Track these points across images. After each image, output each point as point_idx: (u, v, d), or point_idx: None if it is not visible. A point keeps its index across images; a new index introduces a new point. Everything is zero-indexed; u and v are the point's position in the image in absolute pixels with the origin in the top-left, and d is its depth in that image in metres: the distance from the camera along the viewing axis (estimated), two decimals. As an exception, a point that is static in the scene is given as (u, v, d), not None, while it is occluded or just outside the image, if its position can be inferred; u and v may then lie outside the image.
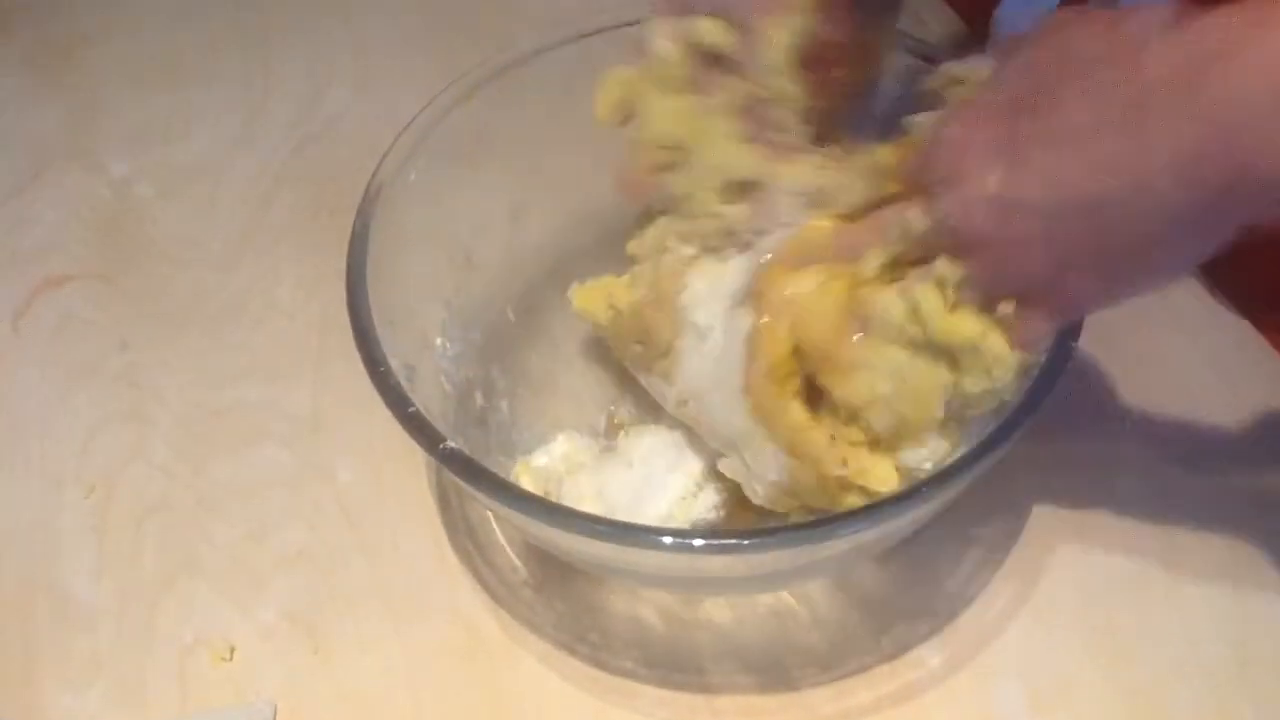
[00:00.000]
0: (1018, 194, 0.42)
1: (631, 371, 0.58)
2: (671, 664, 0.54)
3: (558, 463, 0.57)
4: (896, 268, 0.48)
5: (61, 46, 0.85)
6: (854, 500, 0.49)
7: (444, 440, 0.48)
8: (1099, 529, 0.57)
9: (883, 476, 0.49)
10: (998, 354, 0.46)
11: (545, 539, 0.51)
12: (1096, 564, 0.56)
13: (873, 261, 0.48)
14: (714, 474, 0.54)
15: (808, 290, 0.49)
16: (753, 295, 0.51)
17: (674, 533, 0.47)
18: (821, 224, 0.51)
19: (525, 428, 0.60)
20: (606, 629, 0.55)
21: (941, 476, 0.46)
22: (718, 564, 0.48)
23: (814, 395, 0.50)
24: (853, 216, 0.50)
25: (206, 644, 0.56)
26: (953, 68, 0.49)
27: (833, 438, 0.49)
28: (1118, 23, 0.40)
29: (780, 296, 0.50)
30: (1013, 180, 0.42)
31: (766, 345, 0.49)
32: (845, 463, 0.49)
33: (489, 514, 0.58)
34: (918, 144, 0.46)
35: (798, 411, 0.49)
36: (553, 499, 0.55)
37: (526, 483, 0.56)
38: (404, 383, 0.50)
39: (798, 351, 0.49)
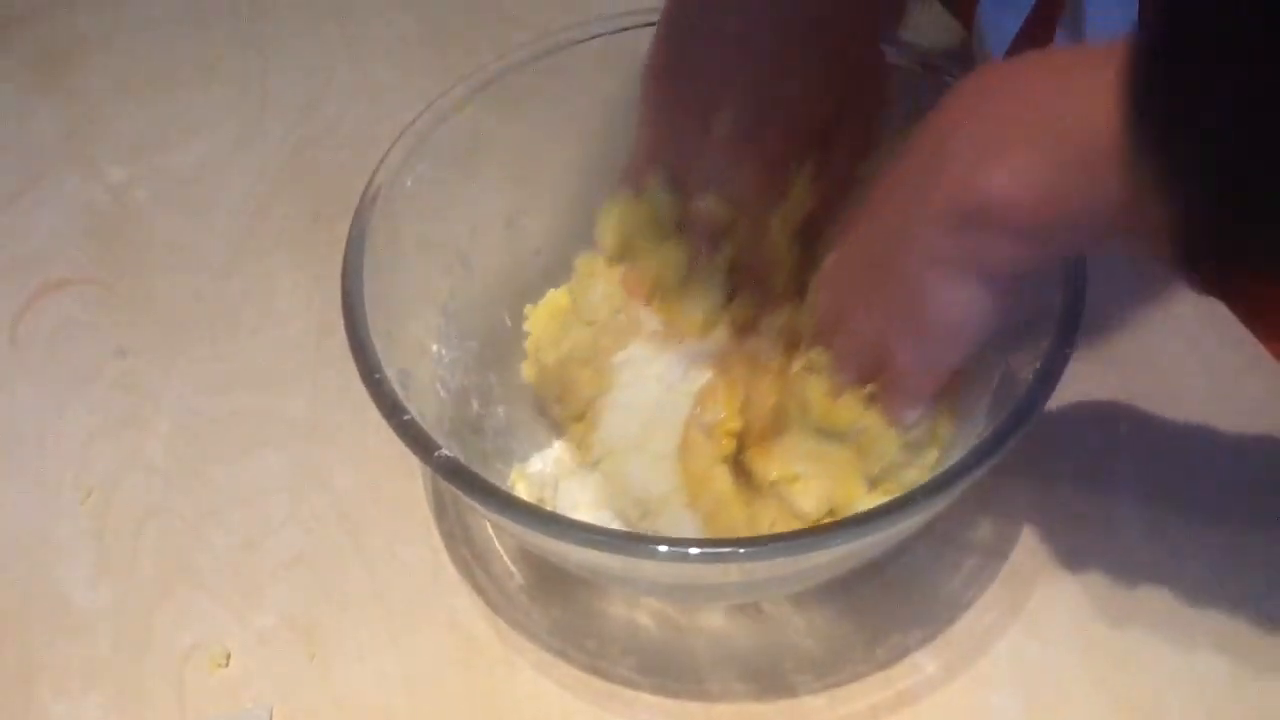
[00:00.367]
0: (839, 268, 0.50)
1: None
2: (668, 671, 0.54)
3: (553, 469, 0.57)
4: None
5: (60, 53, 0.85)
6: None
7: (438, 448, 0.48)
8: (1095, 537, 0.57)
9: None
10: (876, 433, 0.50)
11: (539, 546, 0.51)
12: (1092, 573, 0.56)
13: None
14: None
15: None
16: (719, 359, 0.54)
17: (667, 541, 0.47)
18: None
19: (522, 434, 0.60)
20: (603, 635, 0.55)
21: (935, 485, 0.46)
22: (712, 571, 0.48)
23: (741, 472, 0.52)
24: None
25: (204, 650, 0.56)
26: None
27: (751, 517, 0.51)
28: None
29: (740, 362, 0.53)
30: (838, 257, 0.50)
31: (719, 396, 0.51)
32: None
33: (486, 520, 0.58)
34: None
35: (724, 480, 0.51)
36: (548, 505, 0.55)
37: (522, 489, 0.56)
38: (399, 390, 0.50)
39: (742, 411, 0.52)
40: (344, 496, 0.61)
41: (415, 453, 0.48)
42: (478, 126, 0.59)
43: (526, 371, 0.59)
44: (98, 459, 0.63)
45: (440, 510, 0.60)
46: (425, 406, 0.53)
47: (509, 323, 0.61)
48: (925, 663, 0.54)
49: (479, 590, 0.57)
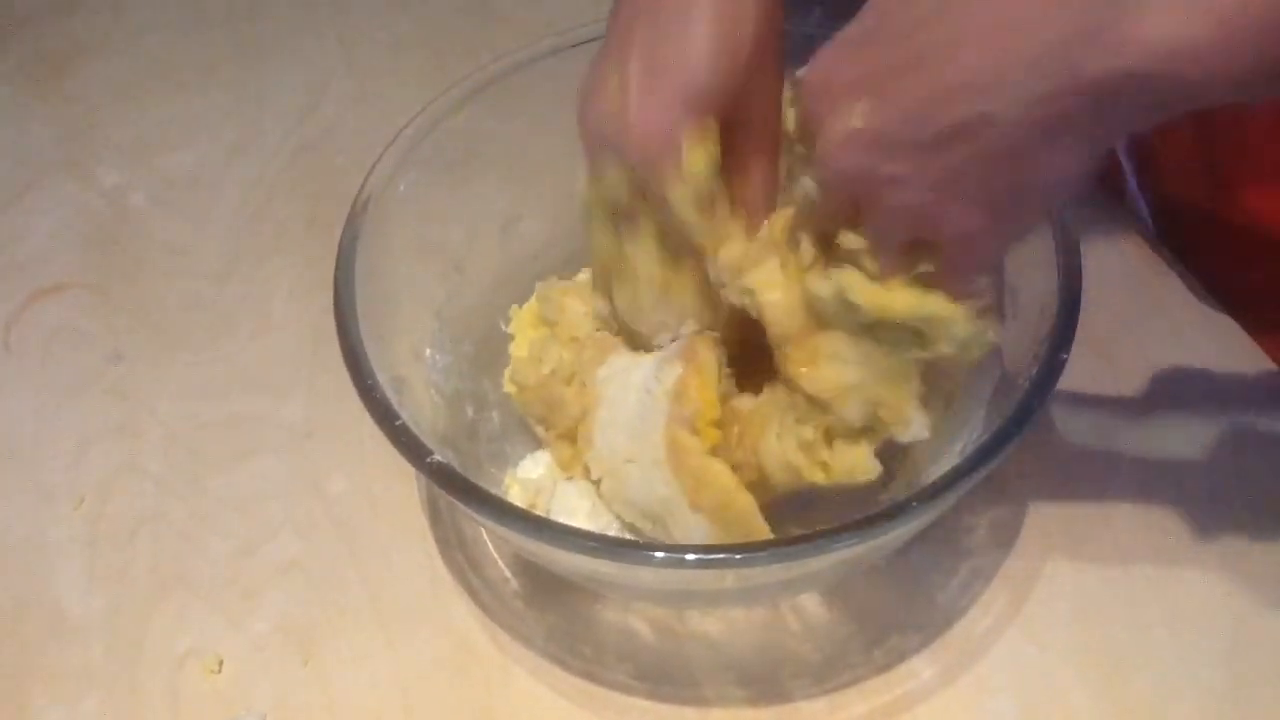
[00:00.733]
0: (880, 127, 0.40)
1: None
2: (664, 677, 0.54)
3: (548, 474, 0.56)
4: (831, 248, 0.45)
5: (55, 57, 0.85)
6: None
7: (430, 454, 0.48)
8: (1093, 542, 0.56)
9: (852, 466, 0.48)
10: (946, 315, 0.44)
11: (532, 552, 0.51)
12: (1090, 577, 0.55)
13: (783, 236, 0.47)
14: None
15: (764, 284, 0.48)
16: (683, 350, 0.51)
17: (655, 547, 0.46)
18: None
19: (516, 439, 0.59)
20: (599, 641, 0.55)
21: (932, 490, 0.46)
22: (708, 577, 0.48)
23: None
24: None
25: (197, 657, 0.56)
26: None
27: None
28: None
29: (703, 345, 0.51)
30: (874, 114, 0.40)
31: (691, 388, 0.50)
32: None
33: (480, 526, 0.58)
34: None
35: (721, 472, 0.49)
36: (542, 511, 0.55)
37: (516, 494, 0.56)
38: (393, 395, 0.50)
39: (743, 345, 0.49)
40: (339, 502, 0.60)
41: (408, 459, 0.48)
42: (472, 130, 0.59)
43: (508, 386, 0.58)
44: (92, 465, 0.63)
45: (435, 516, 0.59)
46: (419, 412, 0.53)
47: (504, 328, 0.60)
48: (922, 667, 0.54)
49: (474, 596, 0.57)
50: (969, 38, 0.37)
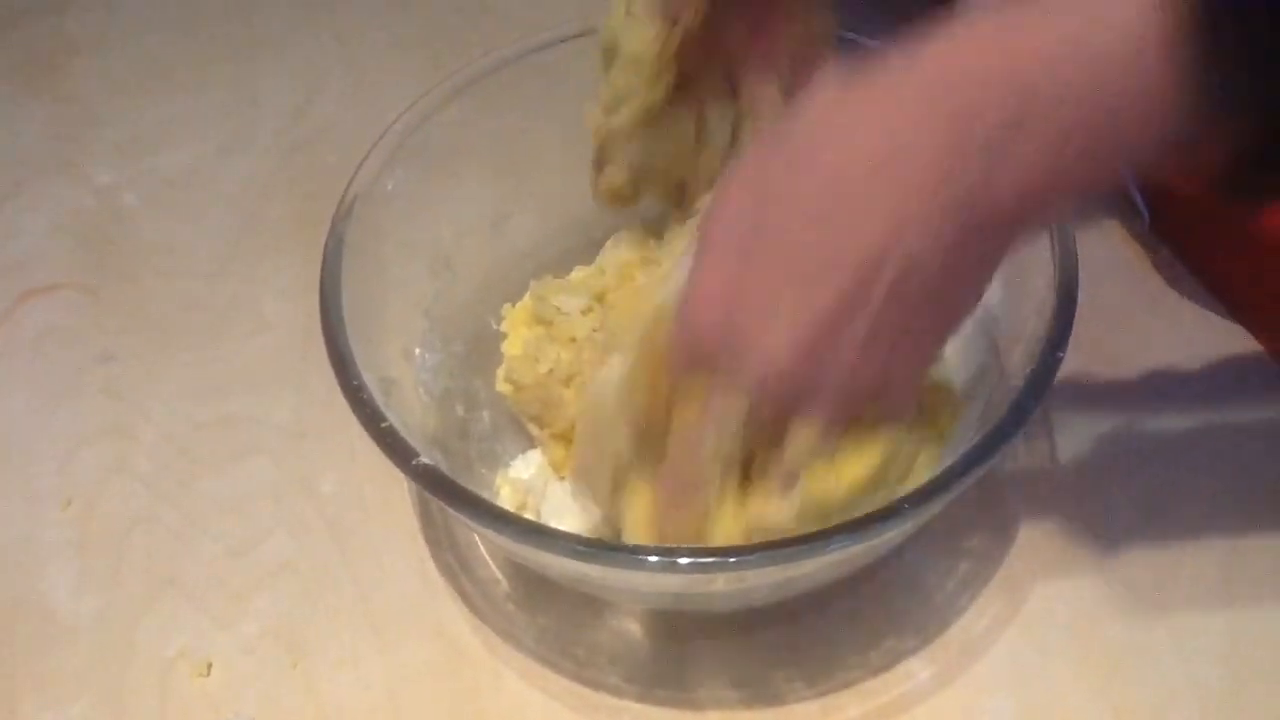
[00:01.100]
0: (807, 338, 0.41)
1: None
2: (657, 680, 0.53)
3: (539, 474, 0.56)
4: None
5: (48, 55, 0.85)
6: None
7: (417, 456, 0.47)
8: (1090, 542, 0.56)
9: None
10: (904, 438, 0.46)
11: (522, 556, 0.51)
12: (1087, 579, 0.55)
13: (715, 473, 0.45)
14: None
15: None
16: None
17: (650, 550, 0.46)
18: None
19: (507, 439, 0.59)
20: (591, 644, 0.55)
21: (928, 491, 0.45)
22: (699, 581, 0.47)
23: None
24: None
25: (186, 659, 0.55)
26: None
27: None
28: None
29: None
30: (795, 329, 0.41)
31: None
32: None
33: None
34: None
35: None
36: (532, 511, 0.54)
37: (507, 495, 0.55)
38: (381, 397, 0.49)
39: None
40: (330, 504, 0.60)
41: (395, 462, 0.48)
42: (459, 127, 0.58)
43: (500, 385, 0.58)
44: (82, 466, 0.63)
45: (427, 517, 0.59)
46: (408, 413, 0.52)
47: (494, 326, 0.60)
48: (919, 669, 0.53)
49: (465, 598, 0.56)
50: (865, 221, 0.40)
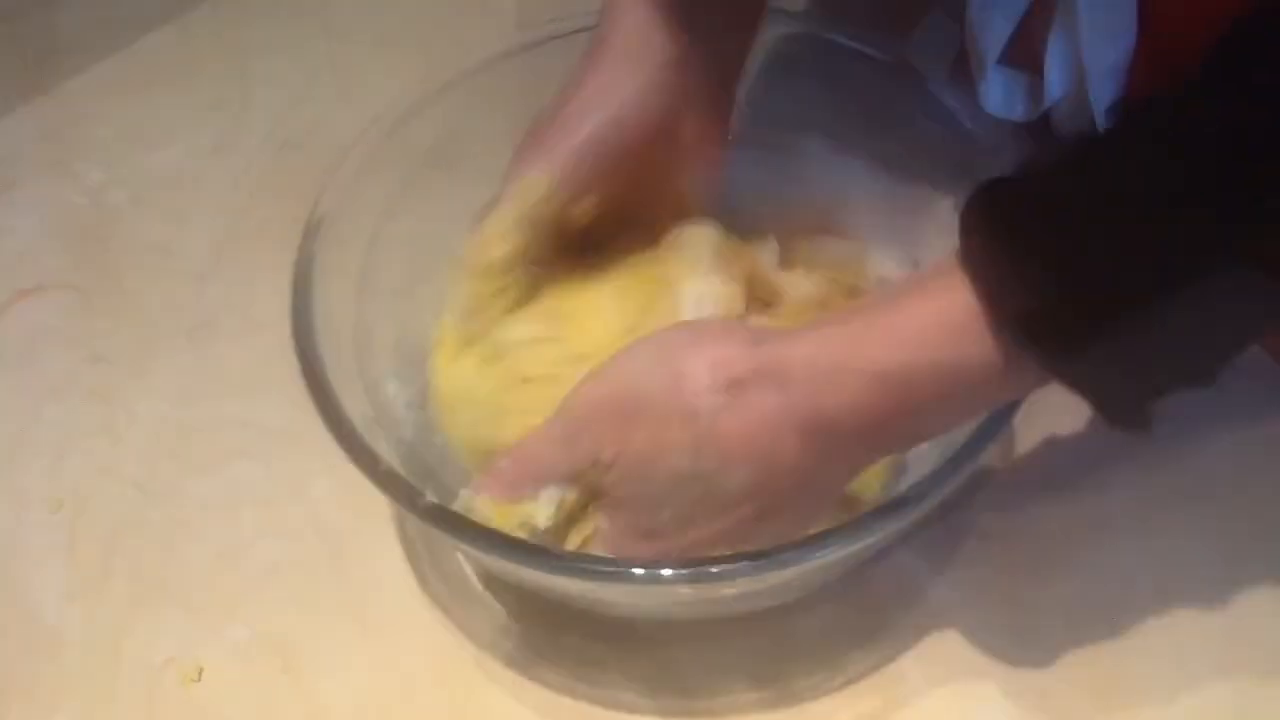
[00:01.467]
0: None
1: None
2: (648, 685, 0.53)
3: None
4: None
5: (37, 54, 0.84)
6: None
7: (421, 495, 0.47)
8: (1088, 549, 0.56)
9: None
10: None
11: (535, 582, 0.50)
12: (1085, 585, 0.55)
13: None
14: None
15: None
16: None
17: (679, 564, 0.46)
18: None
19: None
20: (581, 649, 0.54)
21: (915, 492, 0.46)
22: (698, 591, 0.48)
23: None
24: None
25: (176, 665, 0.55)
26: None
27: None
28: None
29: None
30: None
31: None
32: None
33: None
34: None
35: None
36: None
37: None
38: (365, 434, 0.49)
39: None
40: (321, 508, 0.60)
41: (401, 504, 0.48)
42: (423, 146, 0.59)
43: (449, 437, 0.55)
44: (71, 469, 0.62)
45: (418, 523, 0.58)
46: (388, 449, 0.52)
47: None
48: (912, 671, 0.53)
49: (458, 603, 0.56)
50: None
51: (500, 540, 0.47)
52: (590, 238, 0.56)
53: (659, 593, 0.48)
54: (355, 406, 0.51)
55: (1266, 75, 0.39)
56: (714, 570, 0.45)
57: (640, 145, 0.53)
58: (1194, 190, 0.38)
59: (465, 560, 0.57)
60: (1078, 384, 0.42)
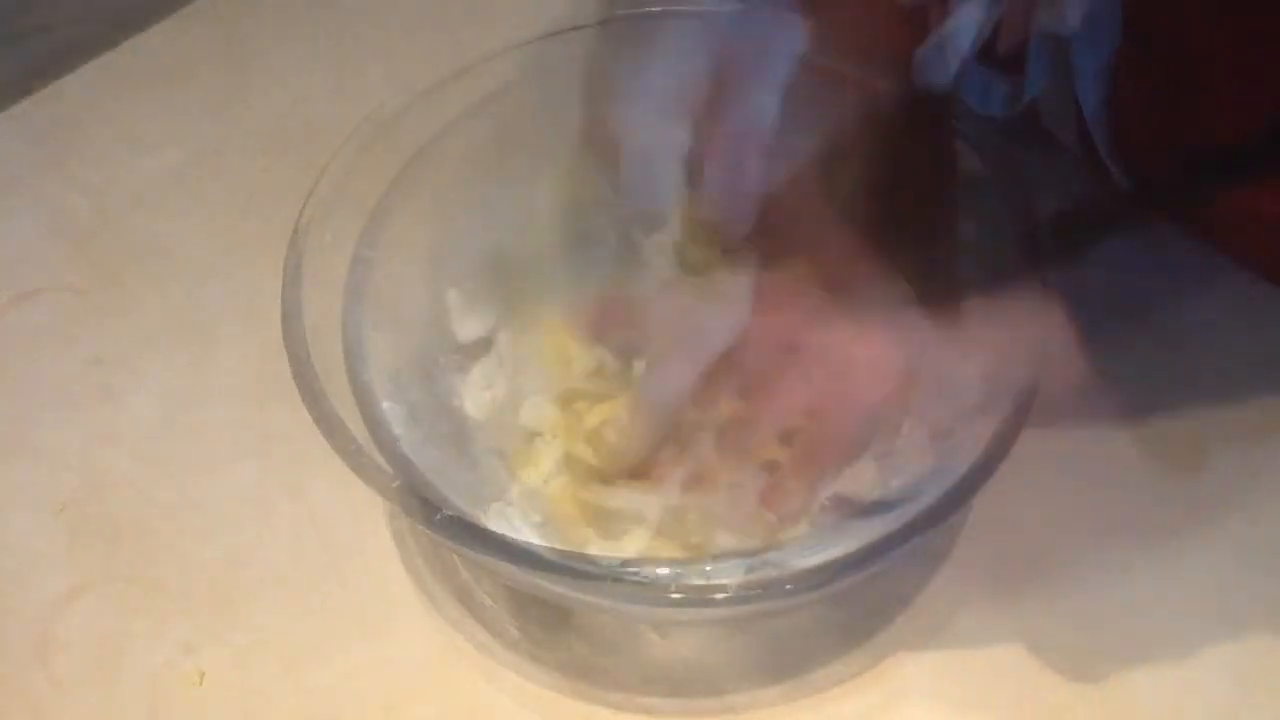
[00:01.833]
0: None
1: None
2: (650, 684, 0.53)
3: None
4: None
5: (36, 54, 0.84)
6: None
7: (439, 511, 0.47)
8: (1092, 547, 0.56)
9: None
10: None
11: (559, 595, 0.50)
12: (1091, 584, 0.55)
13: None
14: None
15: None
16: None
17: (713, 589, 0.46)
18: None
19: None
20: (584, 651, 0.54)
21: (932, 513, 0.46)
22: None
23: None
24: None
25: (177, 668, 0.54)
26: None
27: None
28: None
29: None
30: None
31: None
32: None
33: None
34: None
35: None
36: None
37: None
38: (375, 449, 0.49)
39: None
40: (323, 510, 0.59)
41: (418, 521, 0.47)
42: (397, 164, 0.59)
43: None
44: (71, 471, 0.62)
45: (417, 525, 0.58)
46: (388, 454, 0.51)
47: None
48: (911, 667, 0.53)
49: (463, 604, 0.56)
50: None
51: (521, 552, 0.47)
52: None
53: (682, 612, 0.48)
54: (350, 415, 0.51)
55: None
56: (756, 591, 0.45)
57: None
58: None
59: (465, 562, 0.57)
60: None
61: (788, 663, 0.53)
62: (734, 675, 0.53)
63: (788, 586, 0.46)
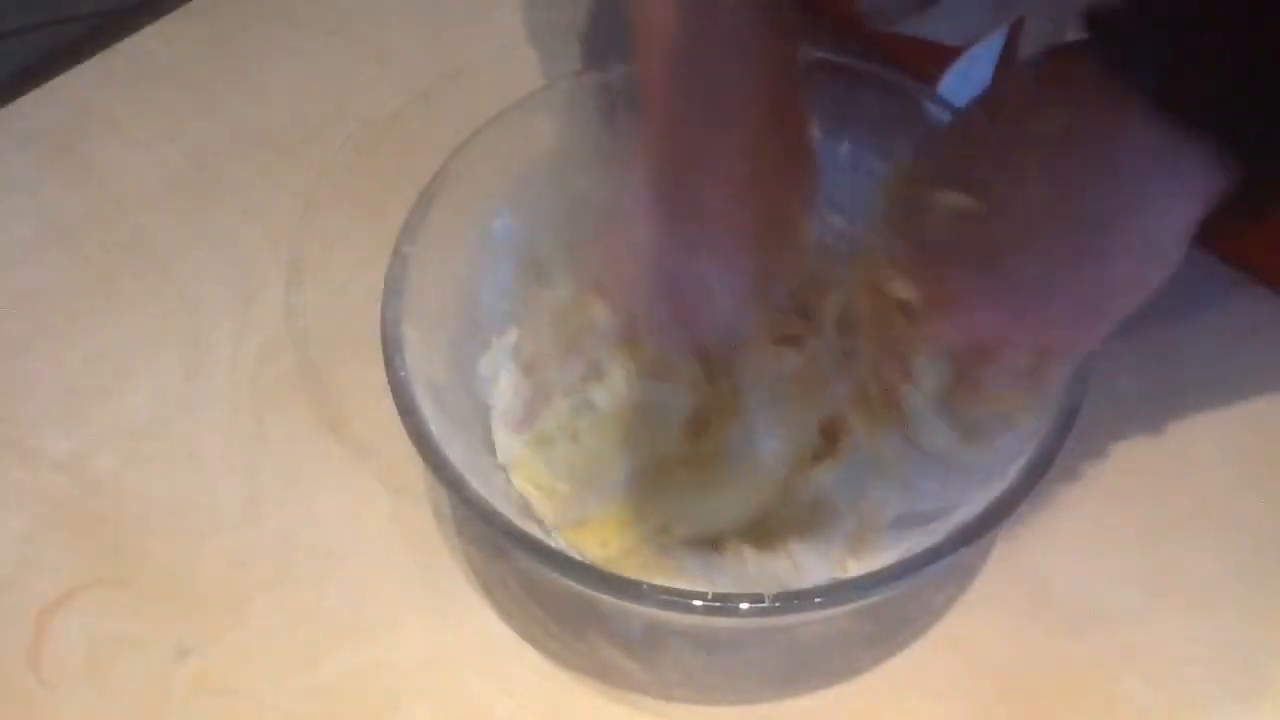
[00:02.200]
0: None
1: None
2: (665, 690, 0.54)
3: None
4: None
5: (30, 53, 0.83)
6: None
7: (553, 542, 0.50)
8: (1096, 546, 0.56)
9: None
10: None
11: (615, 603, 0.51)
12: (1097, 580, 0.55)
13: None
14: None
15: None
16: None
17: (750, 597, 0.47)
18: None
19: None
20: (577, 649, 0.54)
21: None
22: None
23: None
24: None
25: (177, 669, 0.54)
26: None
27: None
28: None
29: None
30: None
31: None
32: None
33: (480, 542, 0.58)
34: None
35: None
36: None
37: None
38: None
39: None
40: (319, 511, 0.59)
41: (497, 536, 0.48)
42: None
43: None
44: (64, 472, 0.61)
45: (427, 523, 0.59)
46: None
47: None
48: (923, 668, 0.54)
49: (457, 605, 0.56)
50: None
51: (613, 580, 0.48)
52: None
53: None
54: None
55: None
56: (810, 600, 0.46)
57: None
58: None
59: (465, 562, 0.57)
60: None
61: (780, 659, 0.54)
62: (756, 682, 0.54)
63: (817, 600, 0.47)
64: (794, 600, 0.46)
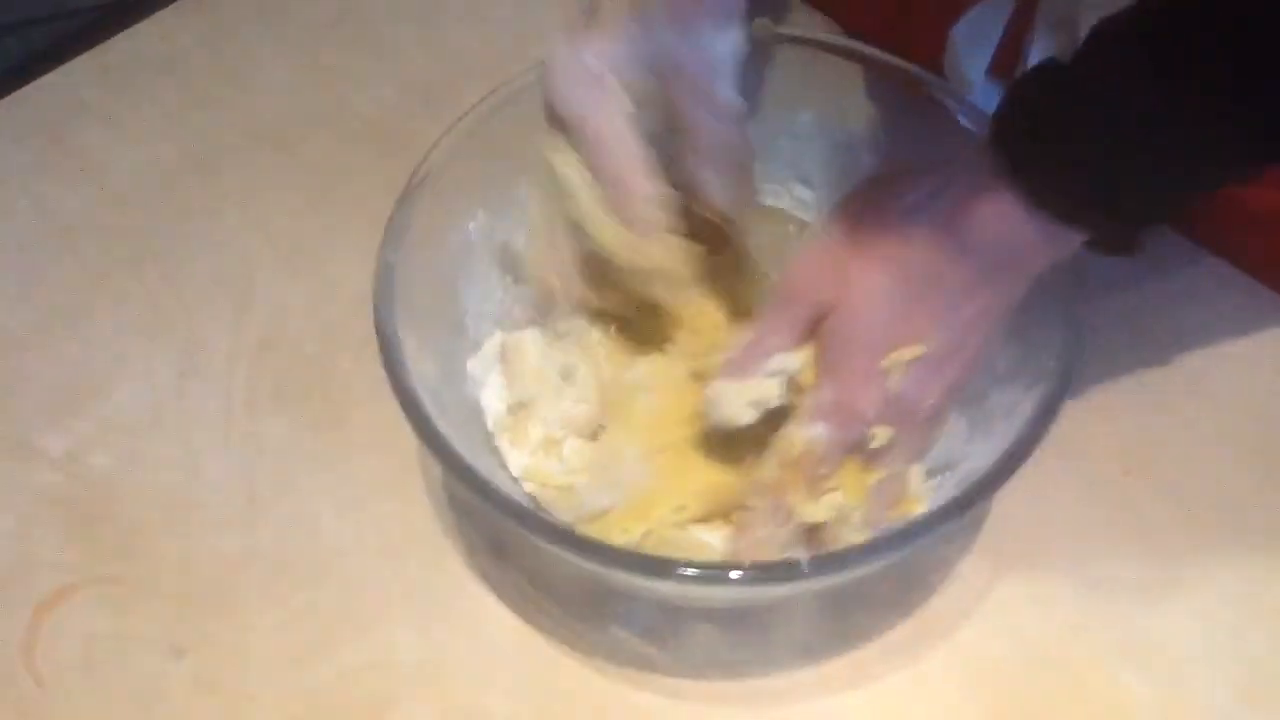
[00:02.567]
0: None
1: None
2: (678, 669, 0.54)
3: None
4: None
5: (25, 48, 0.83)
6: None
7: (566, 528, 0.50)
8: (1099, 539, 0.56)
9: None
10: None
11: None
12: (1097, 579, 0.55)
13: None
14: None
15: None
16: None
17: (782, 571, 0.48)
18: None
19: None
20: (577, 650, 0.54)
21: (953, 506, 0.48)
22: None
23: None
24: None
25: (176, 668, 0.54)
26: None
27: None
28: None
29: None
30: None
31: None
32: None
33: (488, 532, 0.58)
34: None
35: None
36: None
37: None
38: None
39: None
40: (316, 509, 0.59)
41: (528, 534, 0.48)
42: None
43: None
44: (58, 469, 0.61)
45: (430, 524, 0.58)
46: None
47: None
48: (932, 652, 0.54)
49: (456, 605, 0.56)
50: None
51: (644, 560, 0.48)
52: None
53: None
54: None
55: None
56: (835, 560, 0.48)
57: None
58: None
59: (462, 561, 0.57)
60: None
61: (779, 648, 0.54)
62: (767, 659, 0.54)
63: (851, 559, 0.48)
64: (827, 563, 0.47)
